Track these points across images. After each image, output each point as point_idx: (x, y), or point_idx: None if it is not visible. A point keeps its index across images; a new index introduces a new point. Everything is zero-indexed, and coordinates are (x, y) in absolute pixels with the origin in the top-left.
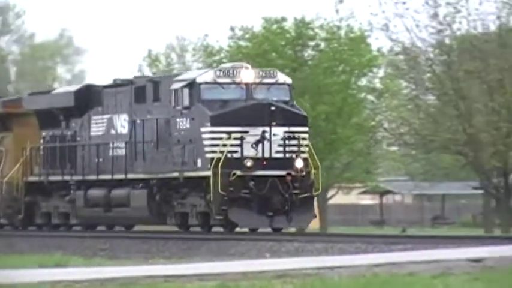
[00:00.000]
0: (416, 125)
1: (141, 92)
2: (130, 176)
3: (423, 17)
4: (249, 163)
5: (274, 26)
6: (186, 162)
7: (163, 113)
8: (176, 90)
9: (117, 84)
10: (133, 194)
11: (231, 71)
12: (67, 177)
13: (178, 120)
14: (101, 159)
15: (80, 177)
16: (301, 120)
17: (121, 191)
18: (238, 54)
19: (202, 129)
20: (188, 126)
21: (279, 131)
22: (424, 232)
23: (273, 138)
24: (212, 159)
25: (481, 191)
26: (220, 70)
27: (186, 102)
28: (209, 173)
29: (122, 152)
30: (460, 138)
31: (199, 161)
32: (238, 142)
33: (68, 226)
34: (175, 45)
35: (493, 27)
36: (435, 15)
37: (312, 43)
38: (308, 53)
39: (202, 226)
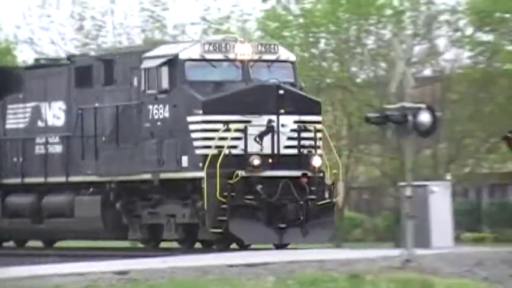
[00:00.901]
0: None
1: (84, 73)
2: (74, 178)
3: (69, 30)
4: (256, 161)
5: None
6: (164, 161)
7: (121, 99)
8: (148, 70)
9: (45, 65)
10: (80, 201)
11: (222, 45)
12: None
13: (150, 107)
14: (23, 159)
15: None
16: (314, 107)
17: (59, 197)
18: None
19: (190, 119)
20: (167, 115)
21: (288, 121)
22: (69, 245)
23: (281, 129)
24: (205, 156)
25: None
26: (209, 43)
27: (165, 84)
28: (201, 173)
29: (56, 149)
30: None
31: (184, 159)
32: (239, 135)
33: None
34: None
35: (138, 40)
36: (80, 29)
37: None
38: None
39: (183, 241)
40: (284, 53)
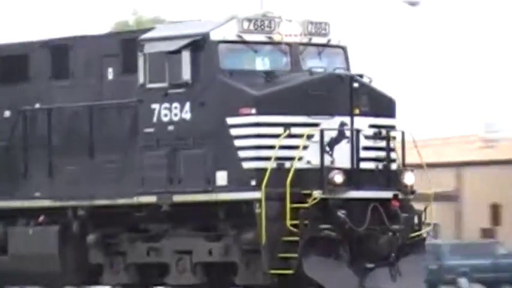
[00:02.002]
0: None
1: (16, 65)
2: (9, 203)
3: None
4: (338, 178)
5: None
6: (181, 178)
7: (85, 96)
8: (151, 56)
9: None
10: (18, 233)
11: (265, 23)
12: None
13: (155, 106)
14: None
15: None
16: (392, 108)
17: None
18: None
19: (232, 120)
20: (187, 116)
21: (363, 124)
22: None
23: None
24: (261, 171)
25: None
26: (248, 20)
27: (186, 74)
28: (256, 194)
29: None
30: None
31: (221, 176)
32: (306, 142)
33: None
34: None
35: None
36: None
37: None
38: None
39: (201, 286)
40: (335, 35)
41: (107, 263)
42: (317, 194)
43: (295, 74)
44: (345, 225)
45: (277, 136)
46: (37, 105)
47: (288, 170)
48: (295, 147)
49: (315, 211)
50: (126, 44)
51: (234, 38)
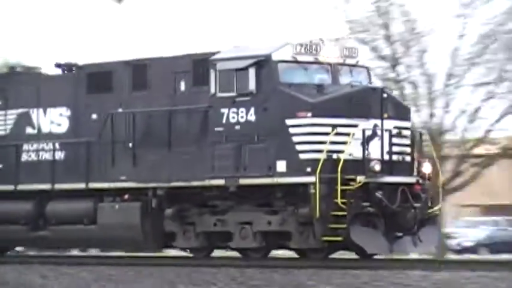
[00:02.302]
0: None
1: (102, 79)
2: (98, 185)
3: None
4: (377, 166)
5: None
6: (246, 166)
7: (160, 103)
8: (221, 72)
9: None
10: (106, 208)
11: (313, 47)
12: None
13: (224, 111)
14: (11, 165)
15: None
16: (408, 113)
17: (69, 205)
18: None
19: (291, 122)
20: (252, 118)
21: (389, 126)
22: None
23: (385, 134)
24: (315, 161)
25: None
26: (301, 45)
27: (252, 86)
28: (311, 179)
29: (57, 156)
30: None
31: (280, 164)
32: (350, 139)
33: None
34: None
35: None
36: None
37: None
38: None
39: (258, 249)
40: (362, 58)
41: (180, 231)
42: (361, 178)
43: (338, 87)
44: (381, 203)
45: (327, 134)
46: (120, 110)
47: (335, 160)
48: (341, 143)
49: (358, 192)
50: (196, 62)
51: (289, 58)
